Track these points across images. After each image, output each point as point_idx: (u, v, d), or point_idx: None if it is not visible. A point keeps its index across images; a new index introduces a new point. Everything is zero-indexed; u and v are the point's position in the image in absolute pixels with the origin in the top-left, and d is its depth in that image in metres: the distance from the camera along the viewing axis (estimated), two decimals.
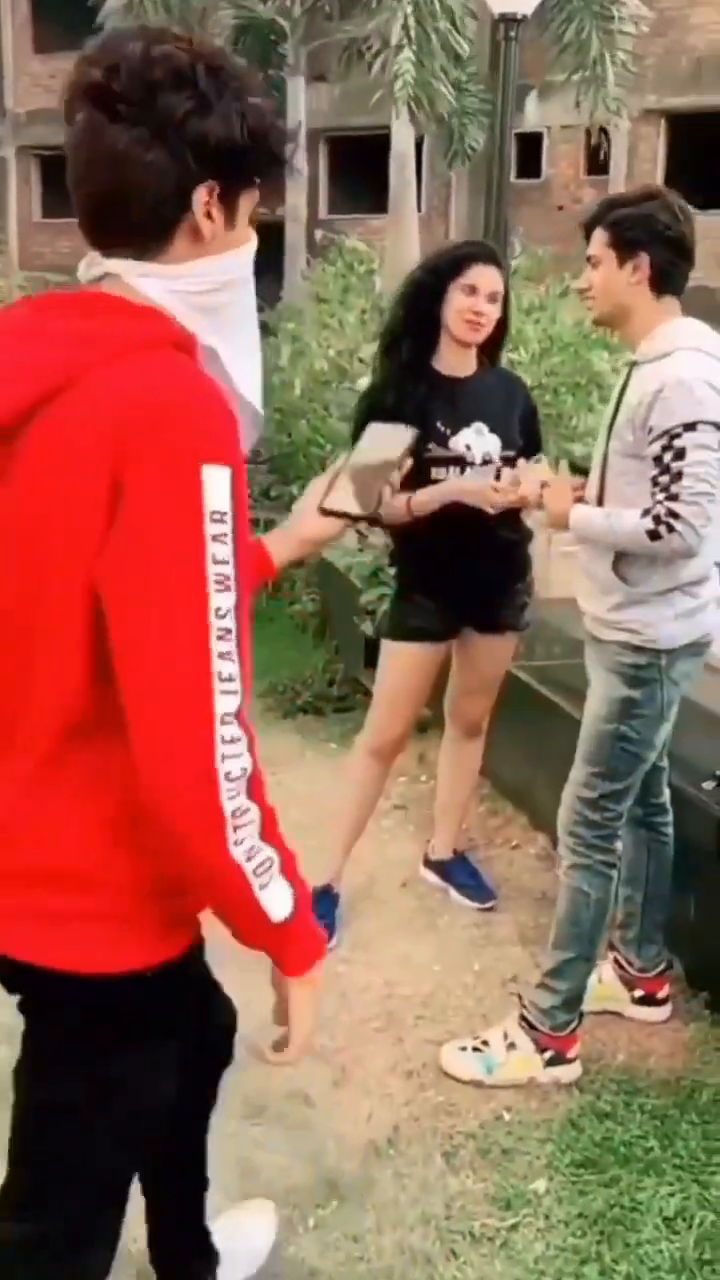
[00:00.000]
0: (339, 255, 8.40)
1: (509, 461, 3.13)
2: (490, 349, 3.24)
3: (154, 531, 1.23)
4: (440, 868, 3.66)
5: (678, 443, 2.46)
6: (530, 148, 20.50)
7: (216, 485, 1.24)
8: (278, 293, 11.57)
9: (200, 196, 1.33)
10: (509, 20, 4.96)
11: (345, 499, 1.75)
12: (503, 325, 3.19)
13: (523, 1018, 2.81)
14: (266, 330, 7.72)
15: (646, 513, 2.50)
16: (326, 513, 1.74)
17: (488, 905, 3.53)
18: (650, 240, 2.55)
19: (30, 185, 24.30)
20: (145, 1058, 1.48)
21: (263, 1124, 2.61)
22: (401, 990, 3.12)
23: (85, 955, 1.38)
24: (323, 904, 3.36)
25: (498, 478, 3.02)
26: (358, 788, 3.42)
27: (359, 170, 20.27)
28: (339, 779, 3.73)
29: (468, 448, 3.12)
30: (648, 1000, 3.04)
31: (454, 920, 3.47)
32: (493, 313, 3.10)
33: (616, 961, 3.05)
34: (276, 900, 1.35)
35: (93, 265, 1.39)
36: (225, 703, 1.25)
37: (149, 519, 1.23)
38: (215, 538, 1.24)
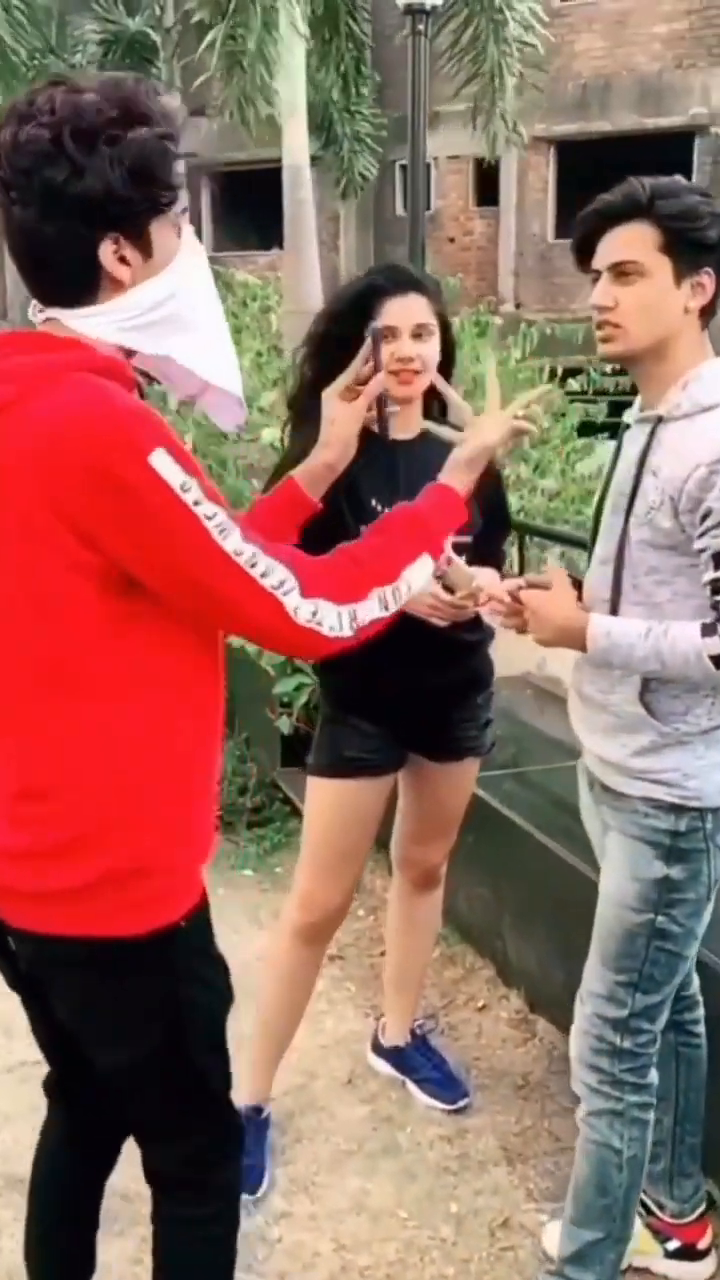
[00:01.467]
0: (229, 292, 7.65)
1: (461, 549, 2.40)
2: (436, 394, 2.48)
3: (156, 529, 1.41)
4: (395, 1056, 2.89)
5: None
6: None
7: (165, 465, 1.40)
8: None
9: (107, 250, 1.45)
10: (416, 12, 4.31)
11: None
12: (447, 357, 2.41)
13: None
14: (150, 379, 6.95)
15: (711, 629, 1.80)
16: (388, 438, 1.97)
17: (459, 1106, 2.78)
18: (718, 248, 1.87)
19: None
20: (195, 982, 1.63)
21: None
22: (359, 1259, 2.35)
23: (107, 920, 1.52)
24: (250, 1134, 2.58)
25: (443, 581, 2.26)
26: (285, 986, 2.60)
27: (245, 207, 19.68)
28: (263, 929, 2.95)
29: None
30: (686, 1253, 2.31)
31: (418, 1133, 2.71)
32: (426, 352, 2.32)
33: (643, 1204, 2.31)
34: (419, 572, 1.63)
35: (37, 313, 1.53)
36: (268, 577, 1.46)
37: (146, 522, 1.41)
38: (196, 503, 1.41)
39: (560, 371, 5.96)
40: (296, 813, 4.15)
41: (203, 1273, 1.78)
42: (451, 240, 20.29)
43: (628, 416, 2.05)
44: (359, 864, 2.59)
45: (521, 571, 4.85)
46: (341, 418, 1.93)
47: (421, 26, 4.33)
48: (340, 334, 2.31)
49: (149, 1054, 1.63)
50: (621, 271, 1.89)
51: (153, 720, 1.52)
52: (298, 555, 1.52)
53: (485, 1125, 2.73)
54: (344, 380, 1.96)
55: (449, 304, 7.07)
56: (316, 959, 2.63)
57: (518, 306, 18.42)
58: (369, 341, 1.96)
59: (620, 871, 2.02)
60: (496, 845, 3.26)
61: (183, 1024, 1.62)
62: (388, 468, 2.31)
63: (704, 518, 1.81)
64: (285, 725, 4.31)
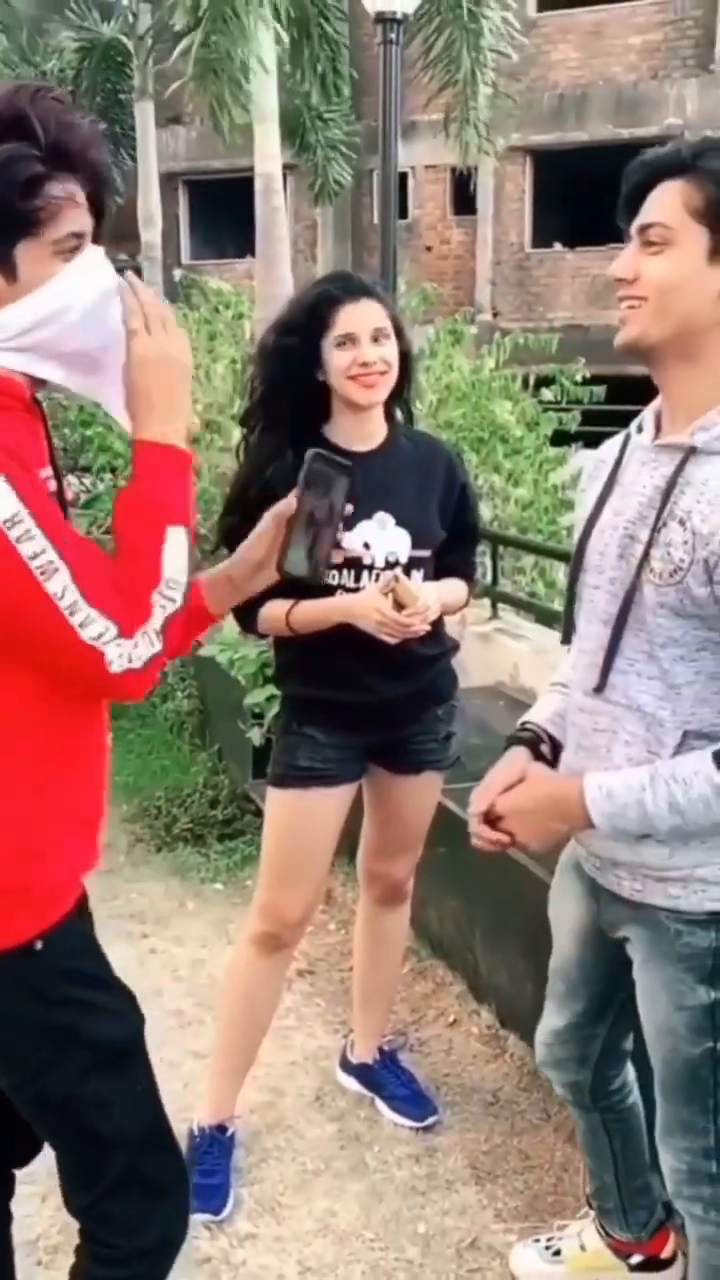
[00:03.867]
0: (202, 298, 7.62)
1: (419, 564, 2.37)
2: (397, 399, 2.43)
3: None
4: (363, 1073, 2.85)
5: None
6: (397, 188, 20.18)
7: None
8: None
9: None
10: (388, 20, 4.31)
11: (299, 560, 1.70)
12: (403, 363, 2.35)
13: None
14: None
15: None
16: (284, 574, 1.71)
17: (428, 1124, 2.74)
18: None
19: None
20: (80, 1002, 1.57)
21: None
22: None
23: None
24: (214, 1153, 2.54)
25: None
26: (244, 1000, 2.56)
27: (222, 215, 19.67)
28: (231, 944, 2.92)
29: (365, 546, 2.31)
30: (651, 1265, 2.28)
31: (386, 1152, 2.67)
32: (388, 354, 2.29)
33: (602, 1227, 2.28)
34: (175, 552, 1.45)
35: None
36: (86, 628, 1.38)
37: None
38: (19, 539, 1.34)
39: (533, 380, 5.96)
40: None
41: None
42: (429, 249, 20.33)
43: (637, 427, 1.74)
44: (318, 875, 2.55)
45: (495, 582, 4.82)
46: (259, 539, 1.75)
47: (393, 35, 4.32)
48: (293, 345, 2.31)
49: (27, 1081, 1.58)
50: (648, 240, 1.58)
51: None
52: (117, 594, 1.41)
53: (454, 1144, 2.70)
54: (265, 549, 1.75)
55: (425, 312, 7.08)
56: (278, 971, 2.59)
57: (495, 315, 18.46)
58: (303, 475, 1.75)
59: (659, 1000, 1.76)
60: (467, 858, 3.22)
61: (57, 1052, 1.55)
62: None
63: None
64: (256, 736, 4.26)
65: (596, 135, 18.46)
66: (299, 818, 2.48)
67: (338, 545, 2.12)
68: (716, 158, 1.55)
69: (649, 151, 1.61)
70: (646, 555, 1.60)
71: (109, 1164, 1.60)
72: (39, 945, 1.52)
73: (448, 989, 3.28)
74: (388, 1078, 2.81)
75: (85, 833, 1.60)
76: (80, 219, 1.44)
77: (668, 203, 1.57)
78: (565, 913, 2.00)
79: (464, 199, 19.58)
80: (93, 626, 1.37)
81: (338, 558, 2.24)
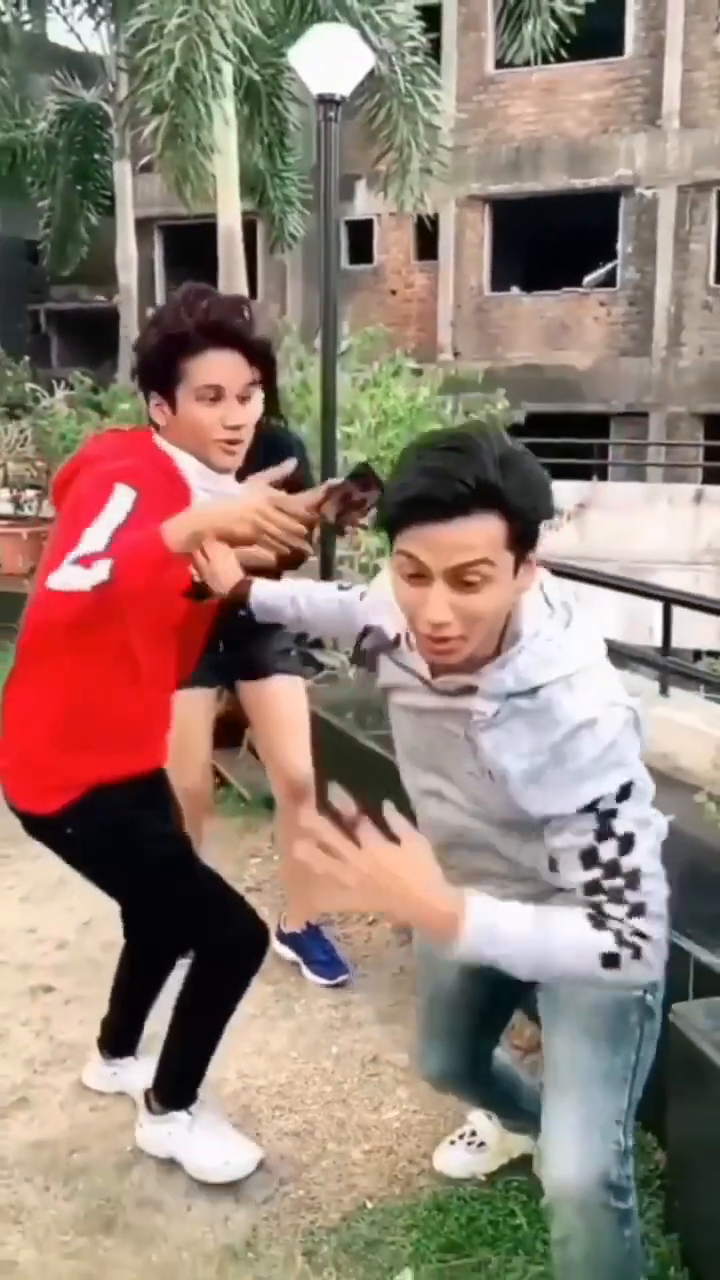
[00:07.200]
0: None
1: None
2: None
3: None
4: (293, 941, 3.56)
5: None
6: (362, 235, 21.07)
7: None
8: (113, 375, 11.52)
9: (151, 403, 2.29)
10: (328, 101, 5.09)
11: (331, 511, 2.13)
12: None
13: None
14: (100, 411, 7.64)
15: (600, 924, 1.67)
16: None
17: (338, 981, 3.44)
18: None
19: None
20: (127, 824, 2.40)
21: (112, 1238, 2.45)
22: (257, 1082, 3.00)
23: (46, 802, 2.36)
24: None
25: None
26: None
27: (194, 256, 20.51)
28: None
29: None
30: None
31: (311, 1004, 3.36)
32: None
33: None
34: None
35: None
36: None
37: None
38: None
39: (462, 408, 6.75)
40: (241, 797, 4.78)
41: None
42: (394, 293, 21.17)
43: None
44: (194, 751, 3.22)
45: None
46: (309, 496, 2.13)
47: (332, 114, 5.08)
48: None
49: (107, 881, 2.50)
50: (466, 580, 1.57)
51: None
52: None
53: (365, 1000, 3.39)
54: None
55: (371, 353, 7.78)
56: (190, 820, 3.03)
57: (456, 355, 19.28)
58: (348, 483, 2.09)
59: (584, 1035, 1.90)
60: (384, 791, 3.93)
61: (115, 869, 2.45)
62: None
63: None
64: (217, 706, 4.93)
65: (551, 185, 19.36)
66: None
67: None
68: (515, 481, 1.56)
69: (433, 476, 1.54)
70: None
71: (175, 897, 2.49)
72: (59, 815, 2.34)
73: None
74: (313, 946, 3.51)
75: (104, 749, 2.33)
76: (212, 375, 2.18)
77: (486, 539, 1.56)
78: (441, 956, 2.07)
79: (427, 245, 20.46)
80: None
81: None
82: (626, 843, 1.66)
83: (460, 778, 1.82)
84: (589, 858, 1.67)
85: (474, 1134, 2.66)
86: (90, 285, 21.02)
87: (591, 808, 1.65)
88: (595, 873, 1.67)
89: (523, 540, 1.60)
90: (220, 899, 2.49)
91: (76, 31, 14.09)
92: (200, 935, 2.49)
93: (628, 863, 1.66)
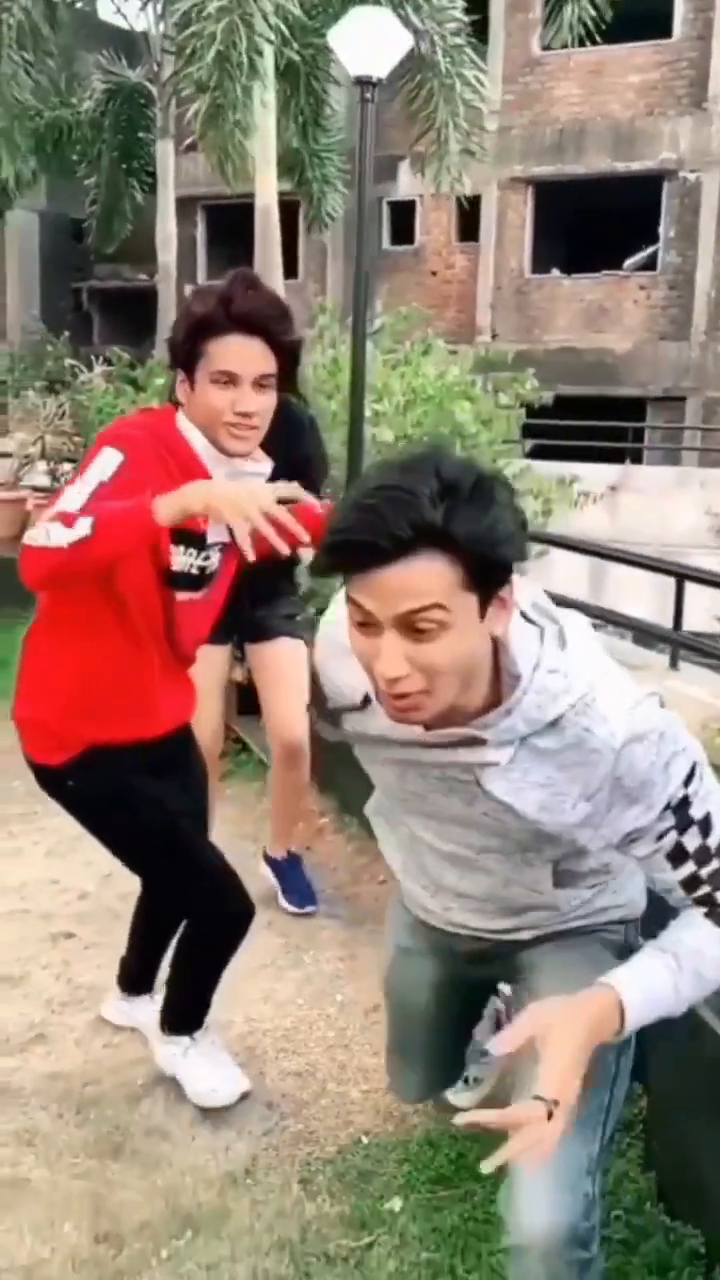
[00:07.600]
0: None
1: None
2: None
3: None
4: (274, 865, 3.79)
5: None
6: (404, 215, 21.09)
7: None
8: (151, 352, 11.67)
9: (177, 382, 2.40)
10: (365, 83, 5.18)
11: None
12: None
13: None
14: (137, 386, 7.77)
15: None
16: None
17: (305, 910, 3.66)
18: None
19: None
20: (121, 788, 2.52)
21: (120, 1162, 2.59)
22: (263, 1025, 3.13)
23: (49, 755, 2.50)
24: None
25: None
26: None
27: (237, 238, 20.62)
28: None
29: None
30: None
31: (319, 955, 3.50)
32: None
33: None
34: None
35: None
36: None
37: None
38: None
39: (491, 386, 6.83)
40: (261, 763, 4.87)
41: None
42: (434, 274, 21.17)
43: None
44: (208, 704, 3.27)
45: None
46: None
47: (369, 95, 5.17)
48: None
49: (103, 837, 2.63)
50: (418, 627, 1.41)
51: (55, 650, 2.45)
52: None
53: (372, 954, 3.48)
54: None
55: (405, 332, 7.90)
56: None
57: (494, 337, 19.29)
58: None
59: (575, 970, 1.77)
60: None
61: (111, 827, 2.59)
62: None
63: None
64: (238, 673, 5.05)
65: (595, 168, 19.29)
66: None
67: None
68: (465, 519, 1.39)
69: (389, 513, 1.37)
70: None
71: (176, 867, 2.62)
72: (62, 768, 2.48)
73: (380, 859, 4.08)
74: (290, 872, 3.77)
75: (105, 713, 2.44)
76: (229, 360, 2.23)
77: (436, 582, 1.40)
78: (413, 980, 2.21)
79: (469, 226, 20.44)
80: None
81: None
82: (706, 824, 1.62)
83: (468, 817, 1.71)
84: (677, 855, 1.63)
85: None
86: (132, 264, 21.16)
87: (665, 807, 1.60)
88: (689, 867, 1.63)
89: (486, 580, 1.43)
90: (213, 875, 2.60)
91: (123, 12, 14.21)
92: (188, 906, 2.66)
93: (715, 841, 1.63)
